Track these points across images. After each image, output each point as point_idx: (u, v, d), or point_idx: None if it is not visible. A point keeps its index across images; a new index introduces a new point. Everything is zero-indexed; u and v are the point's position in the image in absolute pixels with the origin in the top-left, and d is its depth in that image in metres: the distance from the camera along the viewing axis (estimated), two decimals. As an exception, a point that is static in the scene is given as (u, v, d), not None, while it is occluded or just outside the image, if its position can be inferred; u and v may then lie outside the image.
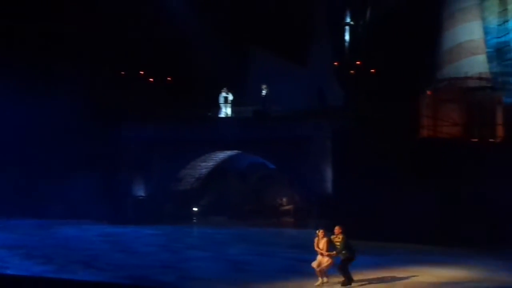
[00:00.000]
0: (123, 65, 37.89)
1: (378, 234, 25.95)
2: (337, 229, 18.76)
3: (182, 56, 37.95)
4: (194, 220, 35.00)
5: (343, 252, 18.43)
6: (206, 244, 27.07)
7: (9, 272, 20.30)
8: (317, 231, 18.85)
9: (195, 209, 35.62)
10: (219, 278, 20.18)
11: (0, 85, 34.53)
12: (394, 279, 19.63)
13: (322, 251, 18.51)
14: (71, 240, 28.01)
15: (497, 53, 33.39)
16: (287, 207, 36.27)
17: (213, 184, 36.39)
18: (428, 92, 29.81)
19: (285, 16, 37.08)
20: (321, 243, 18.59)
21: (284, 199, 36.50)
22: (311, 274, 20.49)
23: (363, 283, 18.90)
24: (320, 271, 18.55)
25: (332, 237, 18.66)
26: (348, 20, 35.49)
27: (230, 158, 35.82)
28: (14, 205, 34.81)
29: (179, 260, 23.29)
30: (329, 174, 30.20)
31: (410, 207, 25.70)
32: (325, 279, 18.53)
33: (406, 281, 19.34)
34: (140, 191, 34.28)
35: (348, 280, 18.37)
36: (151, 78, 38.57)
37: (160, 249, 25.91)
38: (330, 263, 18.48)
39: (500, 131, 28.65)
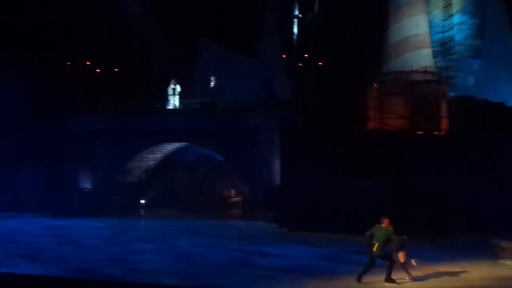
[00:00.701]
0: (69, 55, 37.30)
1: (325, 225, 26.18)
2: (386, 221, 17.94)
3: (130, 48, 37.56)
4: (142, 213, 34.75)
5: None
6: (153, 237, 26.88)
7: None
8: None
9: (142, 201, 35.37)
10: (167, 270, 20.06)
11: None
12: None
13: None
14: (14, 233, 27.47)
15: (442, 48, 34.02)
16: (235, 199, 36.29)
17: (161, 176, 36.16)
18: (375, 85, 30.15)
19: (234, 8, 37.03)
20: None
21: (232, 191, 36.51)
22: (260, 266, 20.61)
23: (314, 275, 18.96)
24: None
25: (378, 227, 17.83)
26: (296, 13, 35.62)
27: (178, 150, 35.64)
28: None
29: (126, 253, 23.07)
30: (277, 166, 30.29)
31: (355, 198, 25.99)
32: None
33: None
34: (86, 184, 33.85)
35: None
36: (98, 69, 38.06)
37: (107, 242, 25.62)
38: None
39: (444, 124, 29.18)
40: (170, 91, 34.28)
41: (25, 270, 19.22)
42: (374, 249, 17.34)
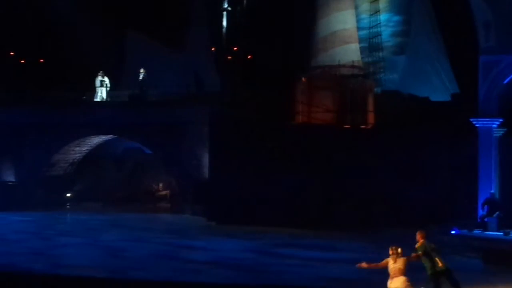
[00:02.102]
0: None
1: (253, 218, 26.30)
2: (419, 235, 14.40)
3: (56, 38, 36.80)
4: (68, 206, 34.11)
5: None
6: (79, 231, 26.43)
7: None
8: (391, 249, 13.53)
9: (68, 195, 34.72)
10: (93, 265, 19.75)
11: None
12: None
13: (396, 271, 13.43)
14: None
15: (369, 44, 34.63)
16: (163, 193, 36.05)
17: (88, 170, 35.56)
18: (303, 79, 30.41)
19: (163, 0, 36.74)
20: (399, 262, 13.35)
21: (160, 185, 36.26)
22: (188, 259, 20.54)
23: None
24: None
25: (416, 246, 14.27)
26: (225, 5, 35.58)
27: (106, 143, 35.14)
28: None
29: (50, 247, 22.61)
30: (205, 159, 30.23)
31: (284, 192, 26.18)
32: None
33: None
34: (9, 177, 32.99)
35: None
36: (22, 60, 37.13)
37: (31, 236, 25.05)
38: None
39: (371, 118, 29.68)
40: (97, 83, 33.71)
41: None
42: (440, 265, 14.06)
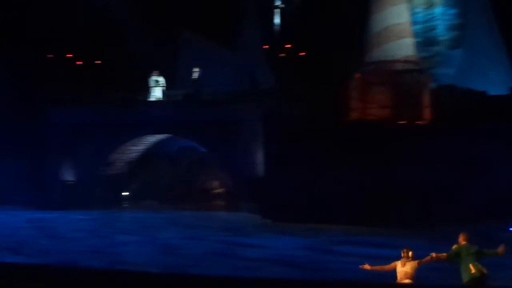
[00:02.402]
0: (50, 47, 37.00)
1: (309, 216, 26.23)
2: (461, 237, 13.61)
3: (112, 39, 37.31)
4: (125, 205, 34.60)
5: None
6: (136, 229, 26.80)
7: None
8: (403, 251, 13.44)
9: (125, 193, 35.22)
10: (150, 262, 20.01)
11: None
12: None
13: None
14: (-4, 226, 27.30)
15: (424, 38, 34.12)
16: (218, 191, 36.26)
17: (144, 168, 36.02)
18: (357, 75, 30.18)
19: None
20: (408, 266, 13.23)
21: (216, 183, 36.47)
22: (243, 257, 20.63)
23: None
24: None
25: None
26: (278, 3, 35.52)
27: (161, 142, 35.51)
28: None
29: (109, 245, 22.99)
30: (260, 157, 30.27)
31: (339, 189, 26.04)
32: None
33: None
34: (68, 176, 33.64)
35: None
36: (79, 61, 37.79)
37: (89, 234, 25.51)
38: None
39: (427, 113, 29.28)
40: (152, 83, 34.11)
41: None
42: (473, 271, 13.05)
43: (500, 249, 13.28)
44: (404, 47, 30.09)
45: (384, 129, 27.31)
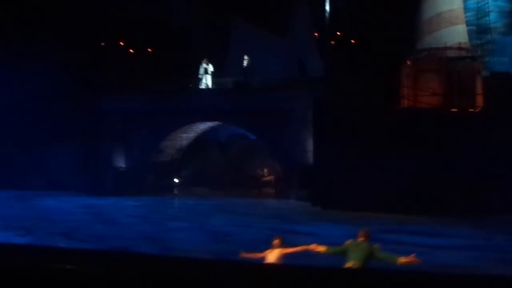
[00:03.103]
0: (103, 36, 37.55)
1: (359, 204, 26.14)
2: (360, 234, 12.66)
3: (163, 27, 37.63)
4: (175, 192, 35.00)
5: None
6: (187, 215, 27.09)
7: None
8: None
9: (176, 180, 35.61)
10: (200, 249, 20.19)
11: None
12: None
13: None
14: (51, 212, 27.89)
15: (477, 25, 33.52)
16: (268, 178, 36.37)
17: (194, 155, 36.35)
18: (408, 63, 29.85)
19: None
20: (272, 254, 12.33)
21: (265, 170, 36.59)
22: (293, 244, 20.60)
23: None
24: None
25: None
26: (328, -10, 35.24)
27: (211, 129, 35.77)
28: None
29: (160, 231, 23.28)
30: (309, 144, 30.23)
31: (390, 177, 25.86)
32: None
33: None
34: (120, 163, 34.18)
35: None
36: (131, 49, 38.26)
37: (141, 220, 25.88)
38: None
39: (479, 100, 28.83)
40: (202, 71, 34.32)
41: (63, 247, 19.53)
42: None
43: (404, 258, 11.58)
44: (456, 34, 29.64)
45: (436, 116, 26.99)
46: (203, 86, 34.40)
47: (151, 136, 33.99)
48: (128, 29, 37.59)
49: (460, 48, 29.50)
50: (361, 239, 12.43)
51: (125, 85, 34.49)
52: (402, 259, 11.58)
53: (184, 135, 35.29)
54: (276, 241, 12.45)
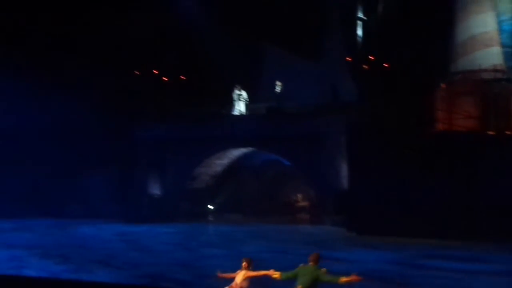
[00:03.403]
0: (137, 64, 38.00)
1: (394, 229, 25.86)
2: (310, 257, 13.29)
3: (195, 55, 37.94)
4: (210, 218, 35.02)
5: None
6: (221, 242, 27.06)
7: (27, 272, 20.35)
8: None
9: (210, 207, 35.64)
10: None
11: (17, 86, 34.74)
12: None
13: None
14: (87, 239, 28.09)
15: (511, 47, 33.15)
16: (302, 204, 36.23)
17: (228, 182, 36.40)
18: (443, 85, 29.64)
19: (298, 12, 36.95)
20: (239, 276, 13.35)
21: (300, 196, 36.46)
22: (329, 271, 20.43)
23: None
24: None
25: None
26: (360, 15, 35.28)
27: (245, 155, 35.81)
28: (31, 205, 35.04)
29: (195, 258, 23.28)
30: (344, 169, 30.09)
31: (425, 201, 25.57)
32: None
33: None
34: (155, 190, 34.35)
35: None
36: (164, 77, 38.63)
37: (176, 247, 25.91)
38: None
39: (516, 123, 28.46)
40: (235, 97, 34.48)
41: (100, 276, 19.62)
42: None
43: (346, 278, 12.50)
44: (491, 56, 29.38)
45: (472, 139, 26.68)
46: (236, 112, 34.53)
47: (185, 163, 34.15)
48: (162, 57, 37.95)
49: (495, 70, 29.21)
50: (311, 263, 13.12)
51: (159, 112, 34.80)
52: (344, 279, 12.49)
53: (218, 161, 35.37)
54: (244, 263, 13.30)
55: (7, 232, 30.20)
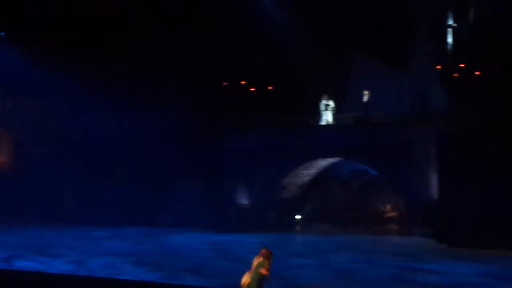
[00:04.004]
0: (225, 75, 38.59)
1: (487, 241, 25.25)
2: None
3: (283, 65, 38.15)
4: (297, 228, 35.09)
5: None
6: (310, 252, 27.11)
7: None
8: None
9: (298, 217, 35.70)
10: (324, 285, 20.16)
11: (106, 98, 35.89)
12: None
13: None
14: (178, 248, 28.70)
15: None
16: (391, 214, 35.76)
17: (316, 192, 36.37)
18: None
19: (385, 20, 36.66)
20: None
21: (388, 206, 36.02)
22: (418, 282, 20.24)
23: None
24: None
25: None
26: (450, 21, 34.66)
27: (332, 165, 35.71)
28: (125, 215, 36.10)
29: (283, 268, 23.34)
30: (433, 180, 29.60)
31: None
32: None
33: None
34: (243, 199, 34.69)
35: None
36: (252, 88, 39.07)
37: (265, 257, 26.03)
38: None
39: None
40: (322, 107, 34.49)
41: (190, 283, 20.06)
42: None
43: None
44: None
45: None
46: (323, 122, 34.51)
47: (273, 173, 34.34)
48: (249, 68, 38.34)
49: None
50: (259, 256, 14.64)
51: (247, 123, 35.16)
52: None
53: (305, 171, 35.42)
54: (264, 250, 14.63)
55: (103, 240, 31.26)
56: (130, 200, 36.88)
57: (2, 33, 39.33)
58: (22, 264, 24.05)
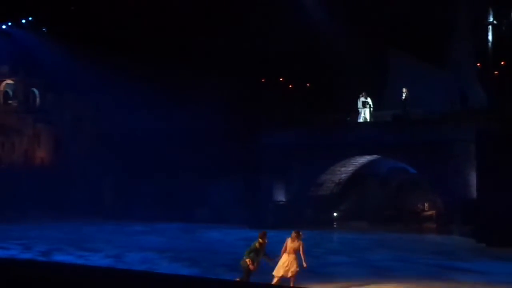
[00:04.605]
0: (264, 72, 38.67)
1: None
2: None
3: (321, 62, 38.10)
4: (334, 225, 34.98)
5: None
6: (347, 249, 26.99)
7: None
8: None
9: (335, 214, 35.58)
10: (361, 283, 20.08)
11: (146, 94, 36.20)
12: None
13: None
14: (215, 244, 28.79)
15: None
16: (428, 213, 35.48)
17: (353, 189, 36.20)
18: None
19: (425, 17, 36.35)
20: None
21: (426, 204, 35.74)
22: (456, 281, 20.03)
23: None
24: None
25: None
26: (491, 19, 34.23)
27: (370, 162, 35.51)
28: (162, 210, 36.36)
29: (320, 265, 23.35)
30: (472, 178, 29.25)
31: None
32: None
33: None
34: (280, 196, 34.66)
35: None
36: (290, 85, 39.08)
37: (302, 254, 26.02)
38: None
39: None
40: (360, 104, 34.31)
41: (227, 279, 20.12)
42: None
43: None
44: None
45: None
46: (361, 119, 34.34)
47: (310, 170, 34.25)
48: (287, 65, 38.37)
49: None
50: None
51: (284, 120, 35.16)
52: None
53: (342, 168, 35.28)
54: (294, 234, 18.27)
55: (140, 235, 31.52)
56: (168, 195, 37.16)
57: (29, 18, 39.91)
58: (61, 258, 24.35)
